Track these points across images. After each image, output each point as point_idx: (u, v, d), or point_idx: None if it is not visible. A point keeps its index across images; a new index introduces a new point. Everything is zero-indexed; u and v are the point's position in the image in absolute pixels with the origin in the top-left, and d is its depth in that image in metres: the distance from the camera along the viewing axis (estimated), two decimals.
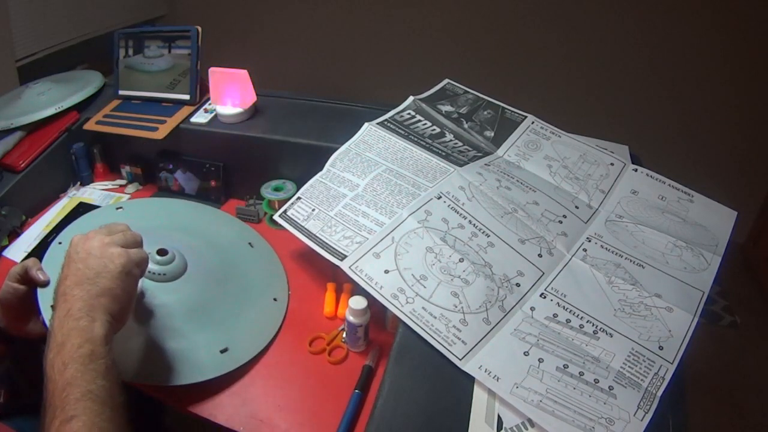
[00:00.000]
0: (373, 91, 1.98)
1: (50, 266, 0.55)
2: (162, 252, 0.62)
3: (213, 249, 0.72)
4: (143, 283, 0.59)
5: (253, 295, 0.68)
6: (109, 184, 0.99)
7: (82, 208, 0.92)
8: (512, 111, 0.84)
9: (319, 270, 0.75)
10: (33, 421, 0.63)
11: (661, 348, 0.53)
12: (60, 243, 0.68)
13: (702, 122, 1.75)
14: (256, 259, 0.75)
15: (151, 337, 0.58)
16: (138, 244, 0.54)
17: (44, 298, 0.53)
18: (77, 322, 0.44)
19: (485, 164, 0.74)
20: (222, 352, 0.59)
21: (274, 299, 0.69)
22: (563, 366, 0.51)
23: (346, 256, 0.61)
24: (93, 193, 0.97)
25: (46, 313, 0.52)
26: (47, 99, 0.97)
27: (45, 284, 0.54)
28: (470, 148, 0.78)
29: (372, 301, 0.60)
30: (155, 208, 0.82)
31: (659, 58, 1.71)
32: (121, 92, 1.00)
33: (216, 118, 0.91)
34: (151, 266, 0.61)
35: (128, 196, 0.96)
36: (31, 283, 0.55)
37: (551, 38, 1.80)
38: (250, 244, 0.77)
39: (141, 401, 0.58)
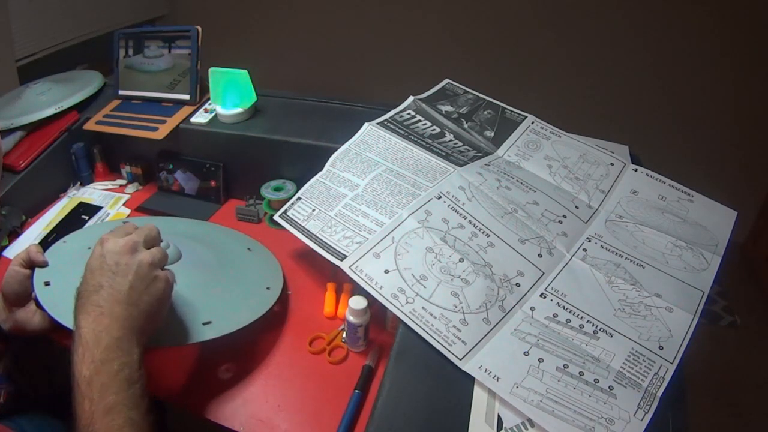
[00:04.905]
0: (373, 91, 1.98)
1: (54, 260, 0.60)
2: None
3: (210, 248, 0.72)
4: None
5: (246, 284, 0.68)
6: (109, 184, 1.00)
7: (82, 208, 0.92)
8: (512, 111, 0.84)
9: (319, 270, 0.75)
10: (33, 421, 0.64)
11: (661, 348, 0.53)
12: (65, 242, 0.68)
13: (702, 122, 1.75)
14: (252, 259, 0.75)
15: None
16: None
17: (39, 276, 0.58)
18: (117, 342, 0.44)
19: (485, 164, 0.74)
20: (204, 324, 0.59)
21: (267, 288, 0.68)
22: (563, 366, 0.51)
23: (346, 256, 0.61)
24: (93, 193, 0.97)
25: (38, 288, 0.56)
26: (47, 99, 0.97)
27: (44, 265, 0.59)
28: (470, 148, 0.78)
29: (372, 301, 0.60)
30: (159, 223, 0.83)
31: (659, 57, 1.71)
32: (121, 92, 1.00)
33: (216, 118, 0.91)
34: None
35: (128, 196, 0.96)
36: (32, 265, 0.59)
37: (551, 38, 1.80)
38: (248, 249, 0.77)
39: None
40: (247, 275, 0.70)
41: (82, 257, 0.67)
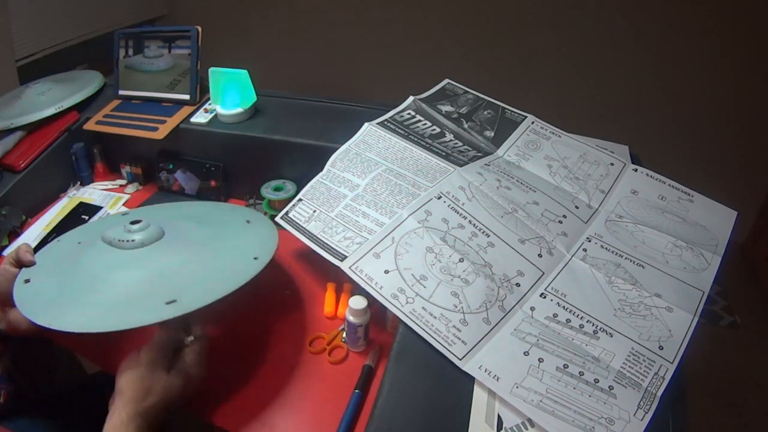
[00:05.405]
0: (373, 91, 1.98)
1: (44, 258, 0.60)
2: (135, 222, 0.63)
3: (207, 225, 0.70)
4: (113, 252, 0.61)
5: (231, 257, 0.64)
6: (109, 184, 0.99)
7: (82, 208, 0.92)
8: (512, 111, 0.84)
9: (319, 270, 0.75)
10: (33, 421, 0.64)
11: (661, 348, 0.53)
12: (59, 241, 0.68)
13: (702, 122, 1.75)
14: (248, 230, 0.71)
15: (115, 291, 0.56)
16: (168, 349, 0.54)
17: (23, 274, 0.58)
18: None
19: (485, 164, 0.74)
20: (168, 303, 0.54)
21: (255, 258, 0.63)
22: (563, 366, 0.51)
23: (346, 257, 0.61)
24: (93, 193, 0.97)
25: (17, 285, 0.56)
26: (47, 99, 0.97)
27: (30, 264, 0.58)
28: (470, 148, 0.78)
29: (372, 301, 0.60)
30: (164, 209, 0.82)
31: (659, 57, 1.71)
32: (121, 92, 1.00)
33: (216, 118, 0.91)
34: (122, 234, 0.61)
35: (128, 196, 0.96)
36: (20, 264, 0.59)
37: (551, 38, 1.80)
38: (247, 221, 0.73)
39: None
40: (236, 247, 0.66)
41: (70, 254, 0.65)
